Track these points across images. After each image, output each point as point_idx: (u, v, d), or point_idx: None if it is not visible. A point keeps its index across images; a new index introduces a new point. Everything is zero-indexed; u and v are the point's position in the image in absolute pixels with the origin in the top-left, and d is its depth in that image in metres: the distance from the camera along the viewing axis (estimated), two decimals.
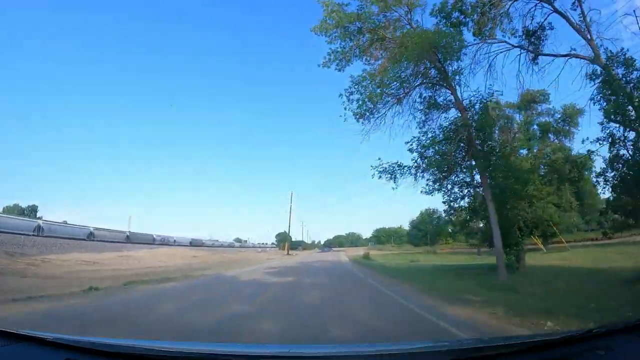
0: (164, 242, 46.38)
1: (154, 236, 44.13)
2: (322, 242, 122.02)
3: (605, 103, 10.71)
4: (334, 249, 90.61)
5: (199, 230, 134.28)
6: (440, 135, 13.06)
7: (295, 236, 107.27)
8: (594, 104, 11.17)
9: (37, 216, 53.56)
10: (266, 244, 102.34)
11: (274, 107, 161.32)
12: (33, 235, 24.00)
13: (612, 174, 11.61)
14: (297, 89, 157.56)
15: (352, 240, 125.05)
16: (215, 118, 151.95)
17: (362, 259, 35.21)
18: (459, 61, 13.11)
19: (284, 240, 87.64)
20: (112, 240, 34.36)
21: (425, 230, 69.53)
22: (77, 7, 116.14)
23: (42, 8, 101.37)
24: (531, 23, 13.04)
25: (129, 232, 38.60)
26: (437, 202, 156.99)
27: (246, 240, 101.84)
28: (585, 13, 11.53)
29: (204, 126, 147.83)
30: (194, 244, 57.16)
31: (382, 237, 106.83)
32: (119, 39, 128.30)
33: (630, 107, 9.93)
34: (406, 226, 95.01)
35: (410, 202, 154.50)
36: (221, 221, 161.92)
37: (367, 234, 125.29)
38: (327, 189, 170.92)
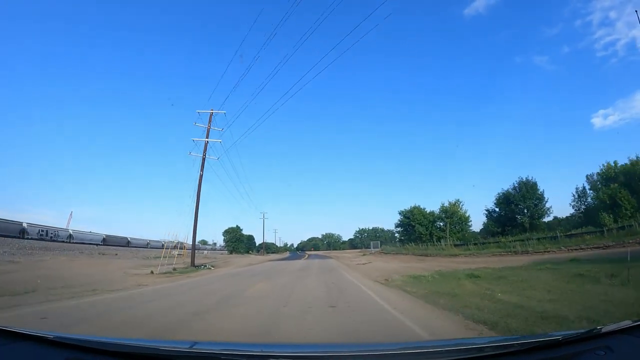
0: (47, 236, 33.48)
1: (24, 225, 31.21)
2: (294, 245, 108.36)
3: None
4: (308, 252, 76.76)
5: (172, 232, 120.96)
6: None
7: (258, 237, 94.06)
8: None
9: None
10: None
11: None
12: None
13: None
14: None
15: (329, 242, 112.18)
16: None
17: None
18: None
19: (233, 240, 68.33)
20: None
21: None
22: None
23: None
24: None
25: None
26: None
27: (215, 243, 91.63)
28: None
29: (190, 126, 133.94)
30: (110, 242, 44.11)
31: (416, 225, 50.29)
32: None
33: None
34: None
35: (408, 198, 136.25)
36: (201, 223, 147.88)
37: (347, 235, 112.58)
38: (301, 189, 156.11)
